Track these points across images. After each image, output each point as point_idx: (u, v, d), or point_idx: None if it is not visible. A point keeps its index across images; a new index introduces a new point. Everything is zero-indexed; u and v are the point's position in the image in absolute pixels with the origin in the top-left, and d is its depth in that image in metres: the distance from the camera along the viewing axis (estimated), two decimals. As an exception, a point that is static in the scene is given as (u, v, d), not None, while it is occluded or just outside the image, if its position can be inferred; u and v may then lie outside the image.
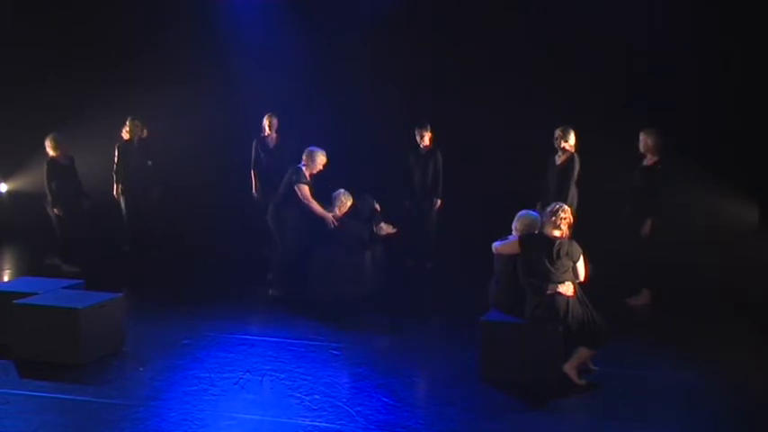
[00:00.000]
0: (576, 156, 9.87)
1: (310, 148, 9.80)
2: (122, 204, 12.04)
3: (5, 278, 10.95)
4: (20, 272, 11.29)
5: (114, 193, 11.99)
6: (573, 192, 9.86)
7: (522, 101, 12.07)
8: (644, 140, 9.62)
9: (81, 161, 11.63)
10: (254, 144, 11.73)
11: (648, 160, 9.64)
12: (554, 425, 6.48)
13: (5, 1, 14.09)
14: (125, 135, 12.05)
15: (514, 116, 11.95)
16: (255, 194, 11.77)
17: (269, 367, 7.50)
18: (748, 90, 11.74)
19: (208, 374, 7.30)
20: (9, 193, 14.73)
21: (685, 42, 11.56)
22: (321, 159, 9.76)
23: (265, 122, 11.67)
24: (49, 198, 11.20)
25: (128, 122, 12.02)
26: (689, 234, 11.28)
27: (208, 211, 13.49)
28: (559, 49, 12.16)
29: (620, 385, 7.14)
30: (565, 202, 9.00)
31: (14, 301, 7.71)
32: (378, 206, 10.12)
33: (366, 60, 12.94)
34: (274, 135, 11.70)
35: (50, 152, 11.18)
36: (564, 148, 9.93)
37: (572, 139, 9.94)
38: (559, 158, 9.99)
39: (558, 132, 9.96)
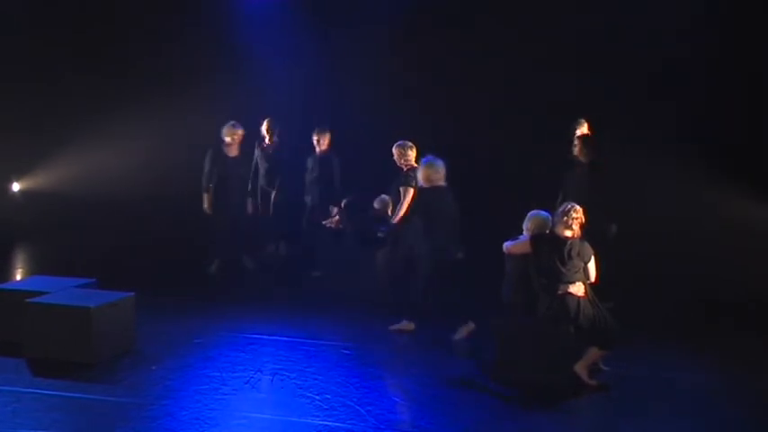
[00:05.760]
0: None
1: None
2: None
3: (18, 277, 10.97)
4: (32, 271, 11.32)
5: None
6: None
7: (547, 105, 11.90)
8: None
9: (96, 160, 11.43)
10: None
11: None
12: (565, 425, 6.49)
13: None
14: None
15: (531, 117, 11.88)
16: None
17: (280, 366, 7.51)
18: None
19: (219, 373, 7.31)
20: (22, 192, 14.79)
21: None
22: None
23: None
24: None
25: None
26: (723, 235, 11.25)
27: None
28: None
29: (630, 385, 7.12)
30: None
31: (27, 300, 7.75)
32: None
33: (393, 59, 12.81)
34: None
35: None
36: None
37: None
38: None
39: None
